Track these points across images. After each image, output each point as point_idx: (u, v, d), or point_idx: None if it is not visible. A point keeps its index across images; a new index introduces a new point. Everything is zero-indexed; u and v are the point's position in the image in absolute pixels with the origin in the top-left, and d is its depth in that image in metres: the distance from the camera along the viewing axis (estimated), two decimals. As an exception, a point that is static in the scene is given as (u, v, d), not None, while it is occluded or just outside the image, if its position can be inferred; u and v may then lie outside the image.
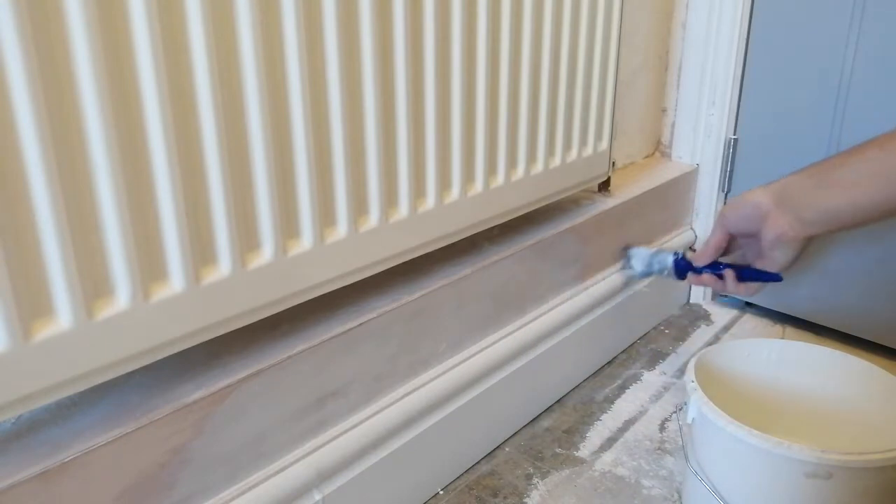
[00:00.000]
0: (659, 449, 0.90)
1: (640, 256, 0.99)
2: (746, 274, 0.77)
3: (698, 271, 0.82)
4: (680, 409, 0.98)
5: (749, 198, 0.70)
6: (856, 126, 1.03)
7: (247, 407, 0.60)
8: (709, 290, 1.28)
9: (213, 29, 0.50)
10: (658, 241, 1.17)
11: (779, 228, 0.67)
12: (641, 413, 0.97)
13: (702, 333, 1.18)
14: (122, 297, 0.50)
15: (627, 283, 1.08)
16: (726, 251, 0.83)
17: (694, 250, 1.25)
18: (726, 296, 1.27)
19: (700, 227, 1.24)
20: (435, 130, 0.70)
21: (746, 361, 0.83)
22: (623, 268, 1.01)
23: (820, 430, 0.80)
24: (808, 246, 0.69)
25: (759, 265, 0.74)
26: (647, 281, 1.10)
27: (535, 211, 0.91)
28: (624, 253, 0.99)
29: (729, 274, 0.76)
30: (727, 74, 1.14)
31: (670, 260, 0.90)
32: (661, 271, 0.93)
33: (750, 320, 1.22)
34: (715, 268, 0.79)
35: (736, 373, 0.83)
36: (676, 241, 1.20)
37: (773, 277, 0.74)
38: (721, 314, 1.24)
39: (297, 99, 0.57)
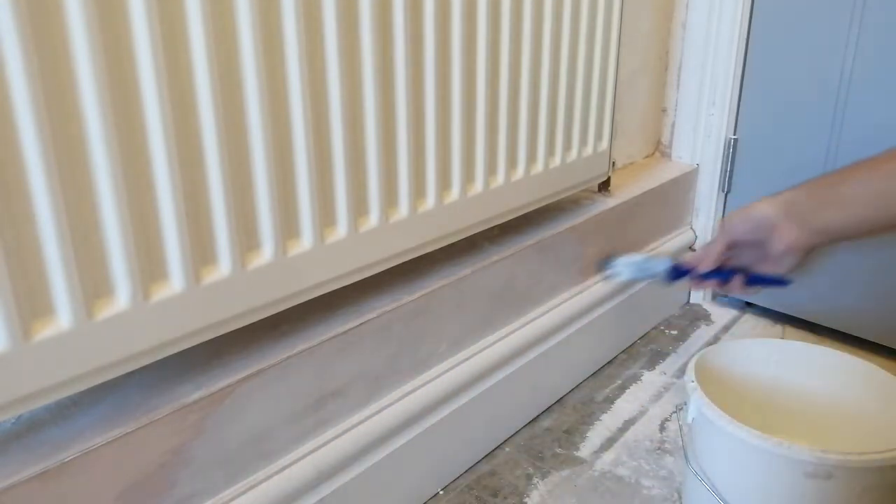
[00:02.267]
0: (659, 449, 0.90)
1: (627, 264, 0.86)
2: (754, 279, 0.77)
3: (702, 277, 0.80)
4: (680, 409, 0.98)
5: (757, 209, 0.72)
6: (856, 126, 1.03)
7: (247, 407, 0.60)
8: (709, 291, 1.28)
9: (213, 29, 0.50)
10: (658, 240, 1.17)
11: (789, 239, 0.69)
12: (641, 413, 0.97)
13: (702, 333, 1.18)
14: (122, 297, 0.50)
15: (627, 284, 1.08)
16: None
17: (693, 249, 1.25)
18: (726, 296, 1.27)
19: (700, 227, 1.24)
20: (435, 130, 0.70)
21: (746, 361, 0.83)
22: (606, 277, 0.90)
23: (820, 430, 0.80)
24: (813, 252, 0.71)
25: (763, 269, 0.74)
26: (641, 283, 1.09)
27: (535, 211, 0.91)
28: (603, 264, 0.87)
29: (737, 280, 0.77)
30: (727, 74, 1.14)
31: (662, 267, 0.83)
32: (652, 277, 0.86)
33: (750, 320, 1.22)
34: (720, 274, 0.78)
35: (736, 373, 0.83)
36: (676, 240, 1.20)
37: (782, 282, 0.75)
38: (721, 314, 1.24)
39: (297, 99, 0.57)
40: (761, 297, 1.21)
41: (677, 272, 0.81)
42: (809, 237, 0.69)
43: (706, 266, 0.77)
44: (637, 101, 1.18)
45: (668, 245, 1.18)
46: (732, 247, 0.75)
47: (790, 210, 0.70)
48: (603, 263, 0.87)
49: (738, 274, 0.76)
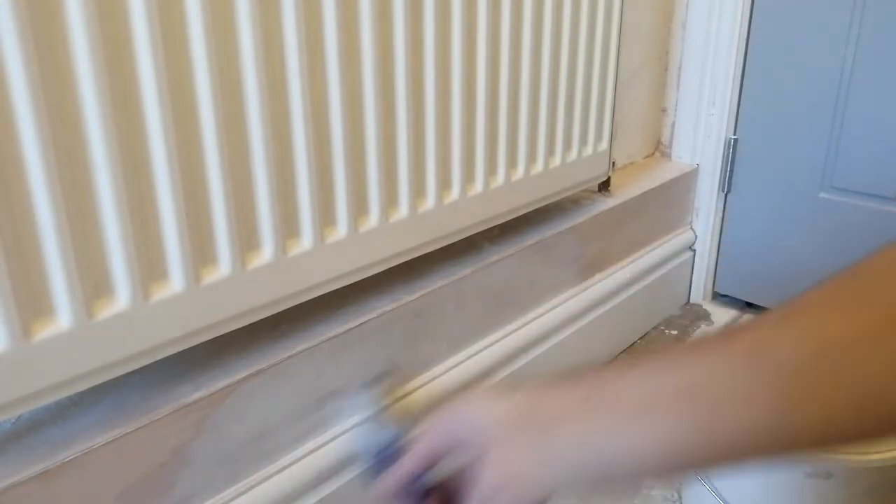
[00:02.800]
0: (659, 449, 0.90)
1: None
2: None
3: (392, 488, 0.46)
4: (680, 409, 0.97)
5: (472, 410, 0.42)
6: (855, 126, 1.03)
7: (247, 407, 0.60)
8: (709, 290, 1.27)
9: (213, 29, 0.50)
10: (658, 240, 1.17)
11: (488, 480, 0.39)
12: (641, 413, 0.97)
13: (702, 333, 1.18)
14: (122, 297, 0.50)
15: (627, 283, 1.08)
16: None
17: (693, 250, 1.25)
18: (726, 295, 1.27)
19: (700, 227, 1.24)
20: (435, 130, 0.70)
21: (746, 361, 0.83)
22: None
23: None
24: None
25: None
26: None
27: (535, 211, 0.91)
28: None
29: None
30: (727, 74, 1.14)
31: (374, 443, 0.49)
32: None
33: (750, 320, 1.22)
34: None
35: (736, 373, 0.83)
36: (676, 241, 1.20)
37: None
38: (721, 314, 1.24)
39: (297, 99, 0.57)
40: (762, 296, 1.21)
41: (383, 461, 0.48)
42: (533, 473, 0.38)
43: (406, 470, 0.45)
44: (637, 101, 1.18)
45: (668, 245, 1.18)
46: (438, 455, 0.45)
47: (523, 420, 0.39)
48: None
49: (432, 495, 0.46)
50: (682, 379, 0.34)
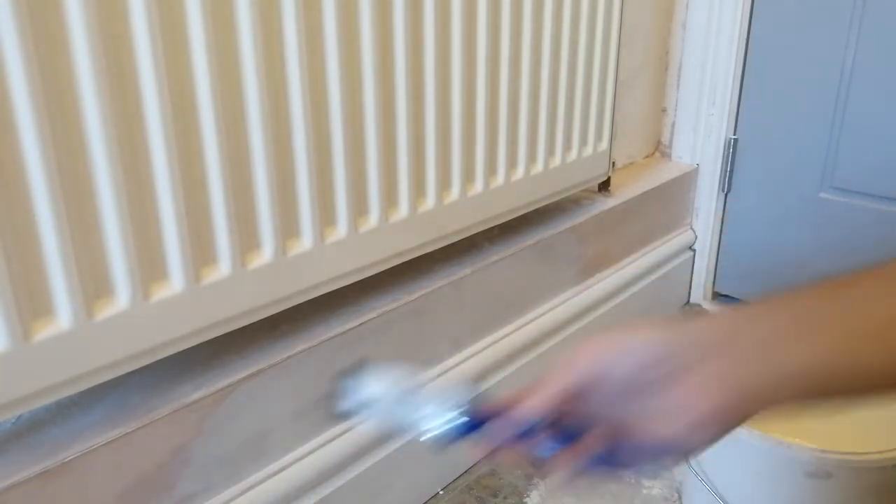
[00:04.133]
0: (659, 449, 0.90)
1: (382, 398, 0.47)
2: (610, 457, 0.41)
3: (517, 432, 0.42)
4: (680, 409, 0.97)
5: (655, 334, 0.39)
6: (855, 126, 1.03)
7: (247, 407, 0.60)
8: (709, 290, 1.27)
9: (213, 29, 0.50)
10: (658, 240, 1.17)
11: (714, 393, 0.37)
12: (641, 413, 0.97)
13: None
14: (122, 297, 0.50)
15: (627, 283, 1.08)
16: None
17: (693, 250, 1.25)
18: (726, 295, 1.27)
19: (700, 227, 1.24)
20: (435, 130, 0.70)
21: (746, 361, 0.83)
22: (337, 408, 0.48)
23: (820, 430, 0.80)
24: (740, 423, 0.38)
25: (639, 437, 0.40)
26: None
27: (535, 211, 0.91)
28: (342, 385, 0.47)
29: (585, 445, 0.41)
30: (727, 74, 1.14)
31: (438, 414, 0.45)
32: (421, 427, 0.46)
33: (750, 320, 1.22)
34: (561, 436, 0.42)
35: (736, 373, 0.83)
36: (676, 241, 1.20)
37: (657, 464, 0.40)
38: (721, 314, 1.24)
39: (297, 99, 0.57)
40: (762, 297, 1.21)
41: (470, 423, 0.44)
42: (759, 390, 0.37)
43: (528, 414, 0.42)
44: (637, 101, 1.18)
45: (668, 245, 1.18)
46: (580, 396, 0.41)
47: (731, 338, 0.38)
48: (340, 391, 0.47)
49: (583, 438, 0.41)
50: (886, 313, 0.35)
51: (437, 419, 0.45)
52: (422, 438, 0.46)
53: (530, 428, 0.41)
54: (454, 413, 0.45)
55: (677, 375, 0.37)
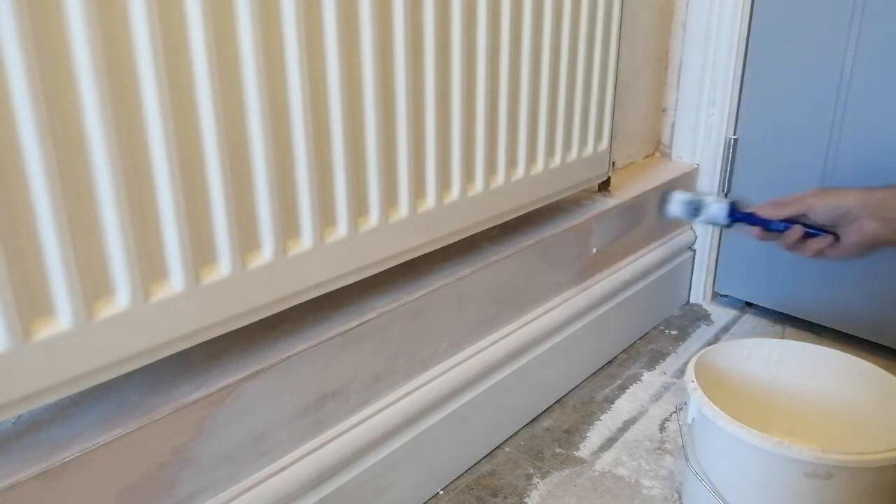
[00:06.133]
0: (659, 449, 0.90)
1: (682, 202, 0.86)
2: (814, 233, 0.78)
3: (766, 226, 0.80)
4: (680, 409, 0.98)
5: (843, 200, 0.75)
6: (855, 126, 1.03)
7: (247, 407, 0.60)
8: (709, 290, 1.28)
9: (213, 29, 0.50)
10: (658, 240, 1.17)
11: (867, 235, 0.74)
12: (641, 413, 0.97)
13: (702, 333, 1.18)
14: (122, 297, 0.50)
15: (627, 283, 1.08)
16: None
17: (693, 250, 1.25)
18: (726, 295, 1.27)
19: (700, 227, 1.24)
20: (435, 130, 0.70)
21: (746, 361, 0.83)
22: (664, 213, 0.88)
23: (820, 430, 0.80)
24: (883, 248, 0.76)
25: (829, 253, 0.77)
26: (653, 275, 1.09)
27: (535, 211, 0.91)
28: (665, 198, 0.87)
29: (797, 231, 0.78)
30: (727, 74, 1.14)
31: (718, 209, 0.83)
32: (709, 219, 0.85)
33: (750, 320, 1.22)
34: (777, 224, 0.80)
35: (736, 373, 0.83)
36: (676, 241, 1.20)
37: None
38: (721, 314, 1.24)
39: (297, 99, 0.57)
40: (761, 296, 1.21)
41: (736, 215, 0.82)
42: (890, 236, 0.73)
43: (774, 215, 0.80)
44: (637, 101, 1.18)
45: (668, 245, 1.18)
46: (800, 218, 0.79)
47: (874, 206, 0.73)
48: (663, 200, 0.86)
49: (796, 225, 0.78)
50: None
51: (719, 207, 0.83)
52: (716, 222, 0.84)
53: (775, 223, 0.80)
54: (729, 205, 0.83)
55: (848, 222, 0.75)
